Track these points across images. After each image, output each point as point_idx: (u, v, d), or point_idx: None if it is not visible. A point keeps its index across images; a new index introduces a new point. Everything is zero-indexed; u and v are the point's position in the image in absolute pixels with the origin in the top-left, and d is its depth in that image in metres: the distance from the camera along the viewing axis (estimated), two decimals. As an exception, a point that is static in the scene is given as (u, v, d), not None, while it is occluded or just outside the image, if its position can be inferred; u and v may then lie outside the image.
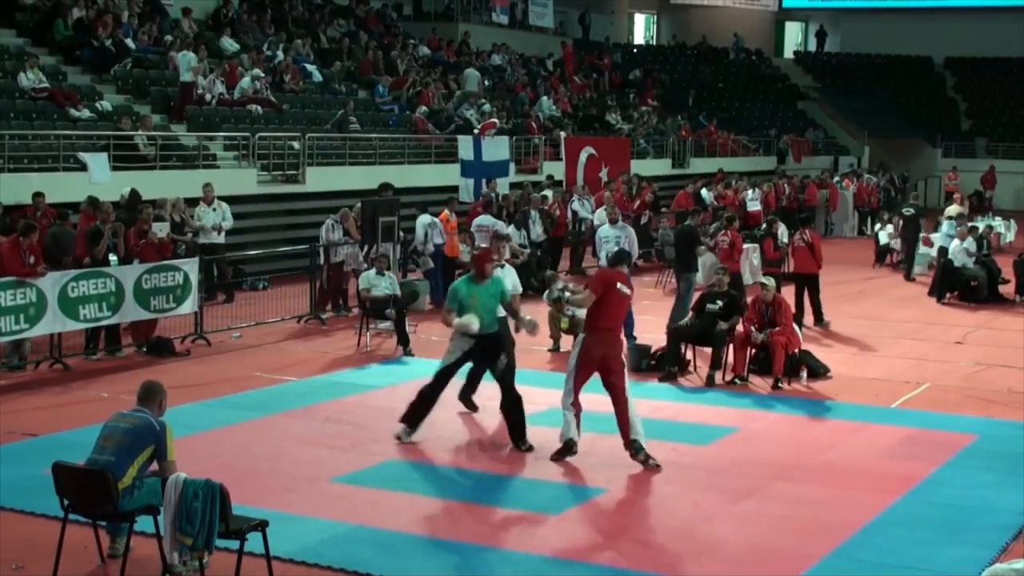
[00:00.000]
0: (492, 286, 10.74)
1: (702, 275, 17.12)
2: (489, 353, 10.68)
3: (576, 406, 10.18)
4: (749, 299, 14.53)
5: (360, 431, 11.15)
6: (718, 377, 13.34)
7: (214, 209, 18.36)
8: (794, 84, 48.33)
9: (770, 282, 13.98)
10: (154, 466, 7.33)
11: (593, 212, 23.21)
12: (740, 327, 13.67)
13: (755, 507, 9.09)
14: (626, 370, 10.36)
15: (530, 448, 10.40)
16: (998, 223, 27.52)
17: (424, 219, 18.89)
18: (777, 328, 13.33)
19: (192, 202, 18.58)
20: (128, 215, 15.80)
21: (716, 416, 11.97)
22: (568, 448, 10.12)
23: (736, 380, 13.34)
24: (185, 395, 12.35)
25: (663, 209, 26.36)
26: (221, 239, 18.44)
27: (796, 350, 13.62)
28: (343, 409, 11.97)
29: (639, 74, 43.22)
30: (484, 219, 19.37)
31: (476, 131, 26.08)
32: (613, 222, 16.76)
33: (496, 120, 27.28)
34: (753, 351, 13.60)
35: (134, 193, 16.25)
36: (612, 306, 10.24)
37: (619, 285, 10.29)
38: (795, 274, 17.15)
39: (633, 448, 9.99)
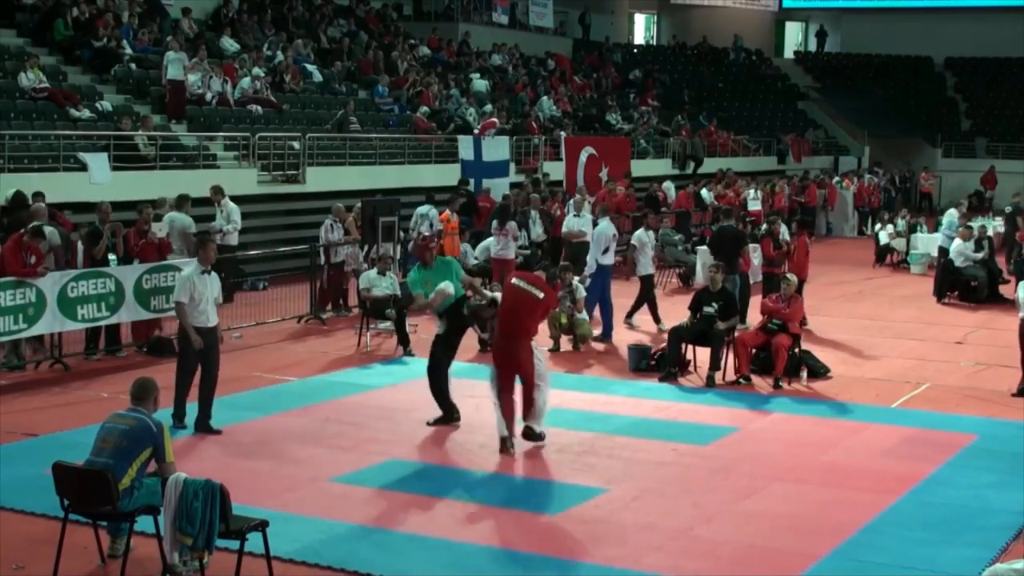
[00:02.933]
0: (440, 268, 11.55)
1: (703, 275, 17.14)
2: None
3: (503, 403, 10.49)
4: (759, 299, 14.62)
5: (360, 431, 11.15)
6: (718, 377, 13.35)
7: (220, 211, 18.32)
8: (794, 84, 48.33)
9: (792, 278, 14.10)
10: (152, 466, 7.33)
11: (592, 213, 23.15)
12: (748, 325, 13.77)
13: (755, 507, 9.09)
14: (541, 366, 10.60)
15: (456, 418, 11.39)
16: (998, 223, 27.50)
17: (420, 209, 19.50)
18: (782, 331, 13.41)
19: (194, 202, 18.54)
20: (11, 218, 14.80)
21: (716, 416, 11.97)
22: (503, 446, 10.43)
23: (740, 380, 13.35)
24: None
25: (663, 209, 26.33)
26: (230, 241, 18.30)
27: (797, 349, 13.64)
28: (343, 409, 11.97)
29: (639, 74, 43.22)
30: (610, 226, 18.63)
31: (476, 131, 26.09)
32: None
33: (496, 120, 27.25)
34: (754, 351, 13.61)
35: (18, 195, 15.40)
36: (507, 308, 10.54)
37: (514, 281, 10.64)
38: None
39: (523, 432, 10.50)
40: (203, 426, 10.89)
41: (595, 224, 17.67)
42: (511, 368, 10.47)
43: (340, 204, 18.46)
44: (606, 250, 16.36)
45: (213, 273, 11.01)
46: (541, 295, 10.48)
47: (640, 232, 17.47)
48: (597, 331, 15.89)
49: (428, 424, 11.30)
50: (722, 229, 16.55)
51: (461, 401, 12.29)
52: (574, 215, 18.98)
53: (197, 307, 10.73)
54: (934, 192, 40.78)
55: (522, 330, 10.44)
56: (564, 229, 18.77)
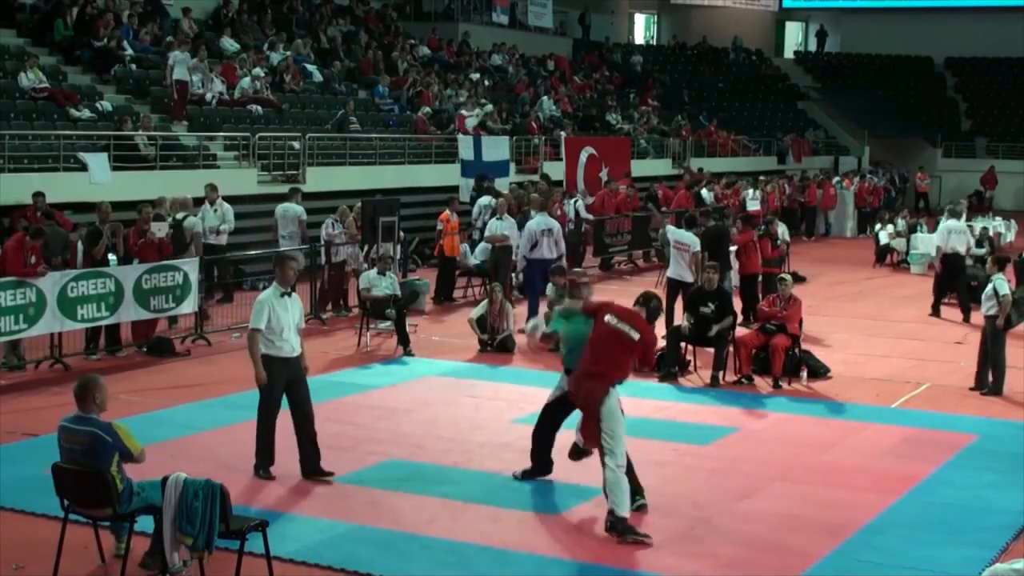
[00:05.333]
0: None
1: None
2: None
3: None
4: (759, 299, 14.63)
5: (360, 431, 11.15)
6: (721, 377, 13.36)
7: (215, 210, 18.29)
8: (794, 84, 48.34)
9: (788, 278, 14.14)
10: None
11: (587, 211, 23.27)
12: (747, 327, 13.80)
13: (755, 507, 9.09)
14: (610, 424, 8.55)
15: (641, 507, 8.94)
16: (998, 223, 27.52)
17: (481, 200, 20.26)
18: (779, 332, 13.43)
19: (194, 202, 18.54)
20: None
21: (716, 416, 11.98)
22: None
23: (742, 380, 13.36)
24: (185, 395, 12.36)
25: (663, 209, 26.36)
26: (222, 240, 18.31)
27: (797, 350, 13.65)
28: (343, 409, 11.96)
29: (639, 59, 43.42)
30: (542, 220, 17.65)
31: (455, 127, 26.26)
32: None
33: (464, 112, 27.35)
34: (753, 350, 13.62)
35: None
36: (593, 342, 8.79)
37: (608, 318, 8.78)
38: (748, 274, 17.08)
39: (608, 519, 8.41)
40: (313, 470, 9.60)
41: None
42: (579, 408, 8.90)
43: (345, 206, 18.49)
44: (535, 245, 16.73)
45: (295, 295, 9.74)
46: (637, 336, 8.69)
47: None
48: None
49: (515, 478, 9.69)
50: (710, 229, 16.51)
51: (460, 401, 12.33)
52: (497, 218, 18.33)
53: (280, 335, 9.41)
54: (931, 192, 40.78)
55: (603, 373, 8.63)
56: (487, 233, 18.34)
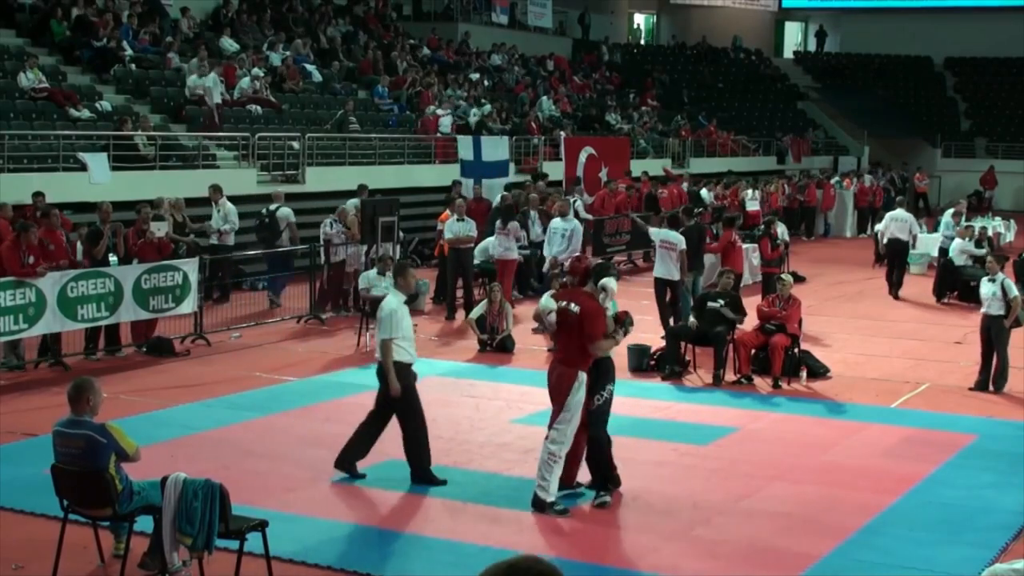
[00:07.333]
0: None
1: (703, 276, 17.14)
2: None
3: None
4: (759, 299, 14.61)
5: (360, 431, 11.13)
6: (722, 375, 13.37)
7: (217, 211, 18.28)
8: (794, 84, 48.31)
9: (787, 278, 14.16)
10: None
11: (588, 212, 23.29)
12: (747, 327, 13.80)
13: (755, 507, 9.09)
14: (569, 412, 8.81)
15: (603, 504, 9.01)
16: (998, 223, 27.53)
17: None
18: (779, 331, 13.42)
19: (194, 202, 18.55)
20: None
21: (716, 416, 11.97)
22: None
23: (741, 380, 13.36)
24: (185, 395, 12.36)
25: (662, 212, 26.32)
26: (227, 240, 18.29)
27: (796, 350, 13.65)
28: (343, 409, 11.93)
29: (605, 53, 43.67)
30: (559, 223, 17.85)
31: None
32: (563, 215, 17.74)
33: (439, 112, 27.43)
34: (753, 351, 13.62)
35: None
36: (559, 326, 9.03)
37: (565, 303, 9.00)
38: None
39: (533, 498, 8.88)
40: (426, 477, 9.51)
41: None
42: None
43: (344, 206, 18.48)
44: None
45: None
46: (577, 308, 8.82)
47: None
48: None
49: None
50: (688, 228, 16.49)
51: (460, 401, 12.33)
52: (457, 219, 17.64)
53: (410, 342, 9.41)
54: (931, 192, 40.73)
55: (567, 359, 8.88)
56: (448, 235, 17.69)
